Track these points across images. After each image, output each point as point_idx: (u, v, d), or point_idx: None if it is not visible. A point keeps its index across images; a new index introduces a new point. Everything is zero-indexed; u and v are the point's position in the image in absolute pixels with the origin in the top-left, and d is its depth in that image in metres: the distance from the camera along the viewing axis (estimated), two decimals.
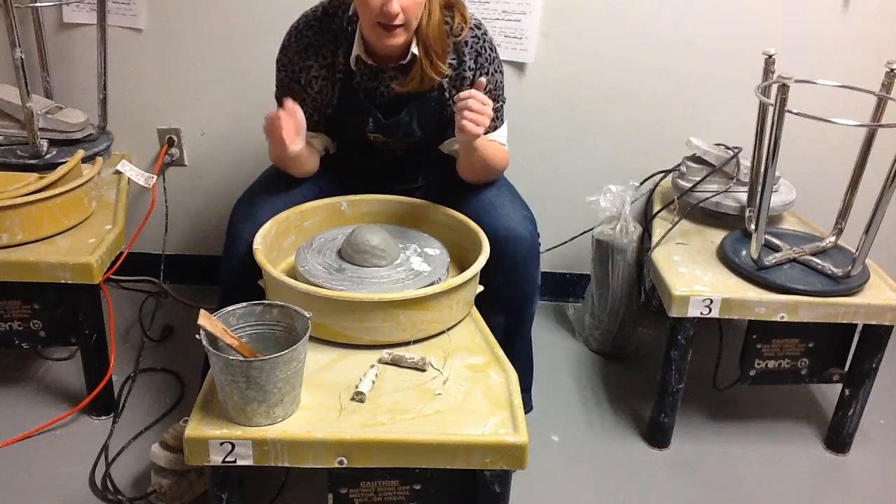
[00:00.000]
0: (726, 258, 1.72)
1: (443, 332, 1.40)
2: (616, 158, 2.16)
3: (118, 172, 1.98)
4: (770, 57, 1.64)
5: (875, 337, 1.68)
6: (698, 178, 1.88)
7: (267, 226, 1.50)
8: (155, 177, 2.04)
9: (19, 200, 1.58)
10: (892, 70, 1.60)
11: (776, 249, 1.73)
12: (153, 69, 2.10)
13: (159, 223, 2.21)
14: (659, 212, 1.95)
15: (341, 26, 1.54)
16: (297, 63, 1.56)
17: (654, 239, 1.84)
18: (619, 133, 2.14)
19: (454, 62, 1.56)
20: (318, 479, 1.26)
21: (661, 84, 2.09)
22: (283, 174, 1.61)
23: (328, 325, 1.32)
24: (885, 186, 1.52)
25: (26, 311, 1.65)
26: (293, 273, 1.44)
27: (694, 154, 1.92)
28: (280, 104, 1.63)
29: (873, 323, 1.64)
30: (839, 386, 1.76)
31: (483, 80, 1.44)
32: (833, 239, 1.77)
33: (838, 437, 1.79)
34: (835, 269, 1.65)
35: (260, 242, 1.43)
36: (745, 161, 1.85)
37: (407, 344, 1.35)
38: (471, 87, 1.56)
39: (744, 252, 1.72)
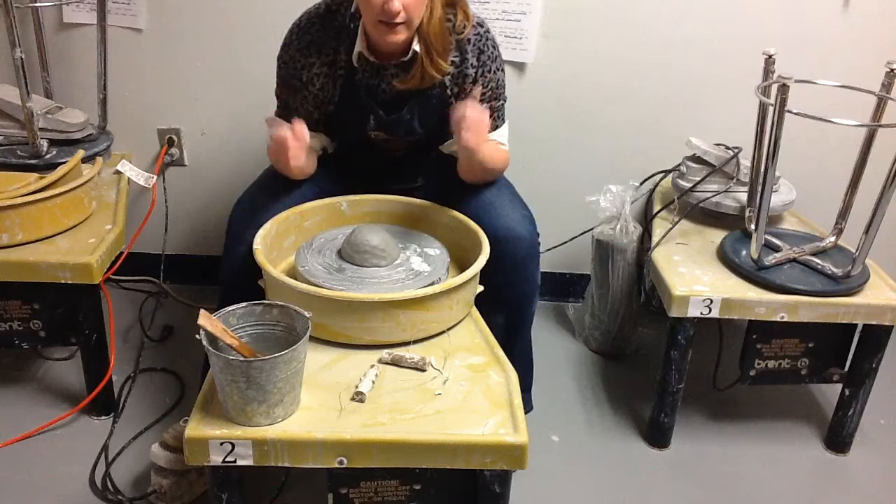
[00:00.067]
0: (726, 258, 1.72)
1: (443, 332, 1.40)
2: (616, 158, 2.16)
3: (118, 172, 1.98)
4: (770, 57, 1.64)
5: (875, 337, 1.68)
6: (698, 178, 1.88)
7: (267, 226, 1.50)
8: (155, 177, 2.04)
9: (19, 200, 1.58)
10: (892, 70, 1.60)
11: (776, 249, 1.73)
12: (153, 69, 2.10)
13: (159, 223, 2.21)
14: (659, 212, 1.95)
15: (344, 23, 1.54)
16: (299, 60, 1.56)
17: (654, 239, 1.84)
18: (619, 133, 2.14)
19: (456, 59, 1.56)
20: (318, 479, 1.26)
21: (661, 84, 2.09)
22: (283, 174, 1.62)
23: (328, 325, 1.32)
24: (885, 186, 1.52)
25: (26, 311, 1.65)
26: (293, 273, 1.44)
27: (694, 154, 1.92)
28: (280, 101, 1.64)
29: (873, 323, 1.64)
30: (839, 386, 1.76)
31: (478, 88, 1.45)
32: (833, 239, 1.77)
33: (838, 437, 1.79)
34: (835, 269, 1.65)
35: (260, 242, 1.43)
36: (745, 161, 1.85)
37: (407, 344, 1.35)
38: (473, 85, 1.57)
39: (744, 252, 1.72)
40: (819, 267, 1.68)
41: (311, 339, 1.23)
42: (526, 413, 1.25)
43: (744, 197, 1.83)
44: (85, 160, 1.80)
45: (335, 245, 1.53)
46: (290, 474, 1.56)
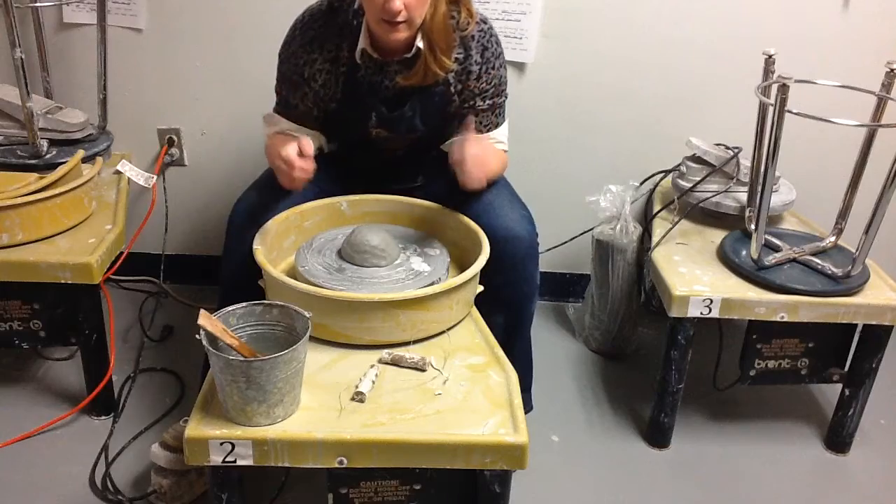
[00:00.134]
0: (726, 258, 1.72)
1: (443, 332, 1.40)
2: (616, 158, 2.16)
3: (118, 172, 1.98)
4: (770, 57, 1.64)
5: (875, 337, 1.68)
6: (698, 178, 1.88)
7: (267, 226, 1.50)
8: (155, 177, 2.04)
9: (19, 200, 1.58)
10: (892, 70, 1.60)
11: (776, 249, 1.73)
12: (153, 69, 2.10)
13: (159, 223, 2.21)
14: (659, 212, 1.95)
15: (346, 20, 1.54)
16: (302, 56, 1.56)
17: (654, 239, 1.84)
18: (619, 133, 2.14)
19: (460, 56, 1.56)
20: (318, 479, 1.26)
21: (661, 84, 2.09)
22: None
23: (328, 325, 1.32)
24: (885, 186, 1.52)
25: (26, 311, 1.65)
26: (293, 273, 1.44)
27: (694, 154, 1.92)
28: (280, 98, 1.62)
29: (873, 323, 1.64)
30: (839, 386, 1.76)
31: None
32: (833, 239, 1.77)
33: (838, 437, 1.79)
34: (835, 269, 1.65)
35: (260, 242, 1.43)
36: (745, 161, 1.85)
37: (407, 344, 1.35)
38: (476, 82, 1.57)
39: (744, 252, 1.72)
40: (819, 267, 1.68)
41: (311, 339, 1.23)
42: (526, 413, 1.25)
43: (744, 197, 1.83)
44: (85, 160, 1.80)
45: (335, 245, 1.53)
46: (290, 474, 1.56)
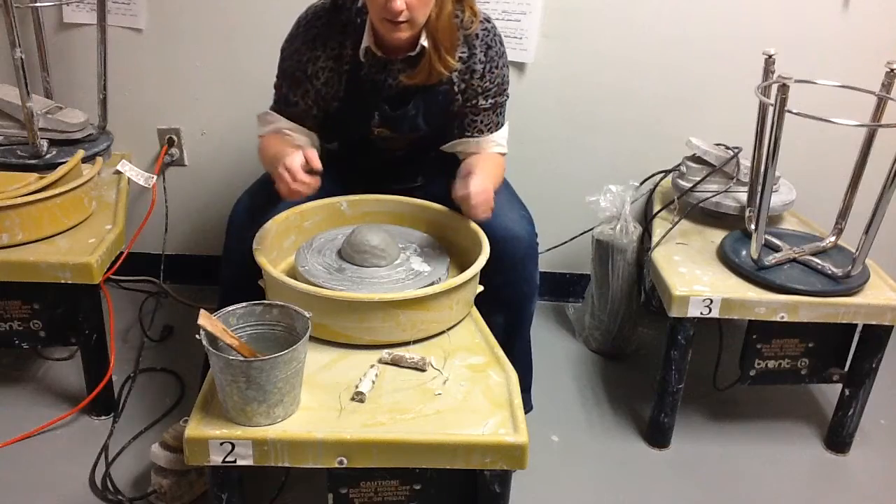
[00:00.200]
0: (726, 258, 1.72)
1: (443, 332, 1.40)
2: (616, 158, 2.16)
3: (118, 172, 1.98)
4: (770, 57, 1.65)
5: (875, 337, 1.68)
6: (698, 178, 1.89)
7: (267, 226, 1.50)
8: (155, 177, 2.04)
9: (19, 200, 1.58)
10: (892, 70, 1.60)
11: (776, 249, 1.73)
12: (153, 69, 2.10)
13: (159, 223, 2.21)
14: (659, 212, 1.95)
15: (350, 17, 1.54)
16: (305, 53, 1.56)
17: (654, 239, 1.84)
18: (619, 133, 2.14)
19: (464, 55, 1.56)
20: (318, 479, 1.26)
21: (661, 84, 2.09)
22: None
23: (328, 325, 1.32)
24: (885, 186, 1.52)
25: (26, 311, 1.65)
26: (293, 273, 1.44)
27: (694, 154, 1.92)
28: (279, 95, 1.61)
29: (873, 323, 1.64)
30: (839, 386, 1.76)
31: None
32: (833, 239, 1.77)
33: (838, 437, 1.79)
34: (835, 269, 1.65)
35: (260, 242, 1.43)
36: (745, 161, 1.85)
37: (407, 344, 1.35)
38: (480, 81, 1.58)
39: (744, 252, 1.72)
40: (819, 267, 1.68)
41: (311, 339, 1.23)
42: (526, 413, 1.25)
43: (744, 197, 1.83)
44: (85, 160, 1.80)
45: (335, 245, 1.53)
46: (290, 474, 1.56)
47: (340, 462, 1.16)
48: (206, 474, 1.43)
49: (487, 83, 1.59)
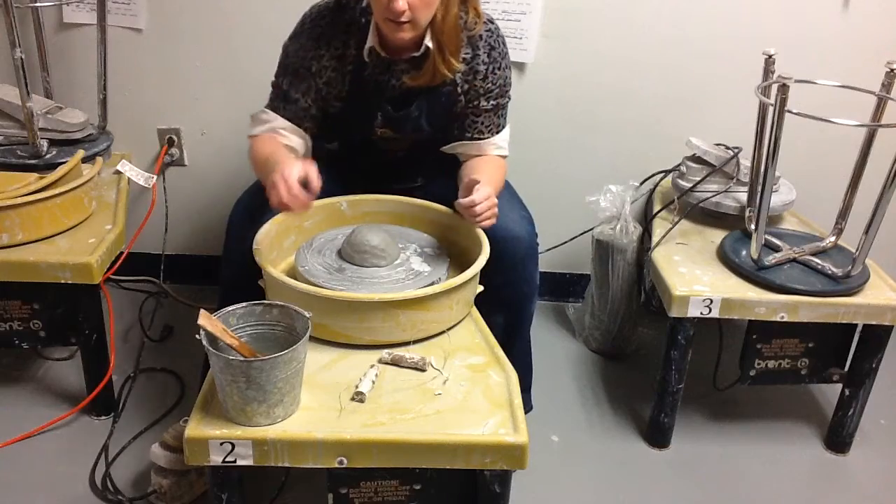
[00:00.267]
0: (726, 258, 1.72)
1: (443, 332, 1.40)
2: (616, 158, 2.16)
3: (118, 172, 1.98)
4: (770, 57, 1.65)
5: (875, 337, 1.68)
6: (698, 178, 1.89)
7: (267, 226, 1.50)
8: (155, 177, 2.04)
9: (19, 200, 1.58)
10: (892, 70, 1.60)
11: (776, 249, 1.73)
12: (153, 69, 2.10)
13: (159, 223, 2.21)
14: (659, 212, 1.95)
15: (354, 17, 1.54)
16: (311, 50, 1.55)
17: (654, 239, 1.84)
18: (619, 133, 2.14)
19: (468, 55, 1.56)
20: (318, 479, 1.26)
21: (661, 84, 2.09)
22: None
23: (328, 325, 1.32)
24: (885, 186, 1.52)
25: (26, 311, 1.65)
26: (293, 273, 1.44)
27: (694, 154, 1.92)
28: (278, 92, 1.59)
29: (873, 323, 1.64)
30: (839, 386, 1.76)
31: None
32: (833, 239, 1.77)
33: (838, 437, 1.79)
34: (835, 269, 1.65)
35: (260, 242, 1.43)
36: (745, 161, 1.85)
37: (407, 344, 1.35)
38: (483, 82, 1.58)
39: (744, 252, 1.72)
40: (819, 267, 1.68)
41: (311, 339, 1.23)
42: (526, 413, 1.25)
43: (744, 197, 1.83)
44: (85, 160, 1.80)
45: (335, 245, 1.53)
46: (290, 474, 1.56)
47: (340, 462, 1.16)
48: (206, 474, 1.43)
49: (490, 84, 1.59)
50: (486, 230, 1.51)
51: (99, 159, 1.85)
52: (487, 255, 1.44)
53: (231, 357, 1.12)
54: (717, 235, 1.84)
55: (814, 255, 1.72)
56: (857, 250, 1.61)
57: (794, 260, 1.72)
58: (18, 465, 1.62)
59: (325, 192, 1.65)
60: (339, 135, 1.70)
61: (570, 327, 2.23)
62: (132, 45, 2.07)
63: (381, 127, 1.62)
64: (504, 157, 1.69)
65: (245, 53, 2.06)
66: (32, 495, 1.55)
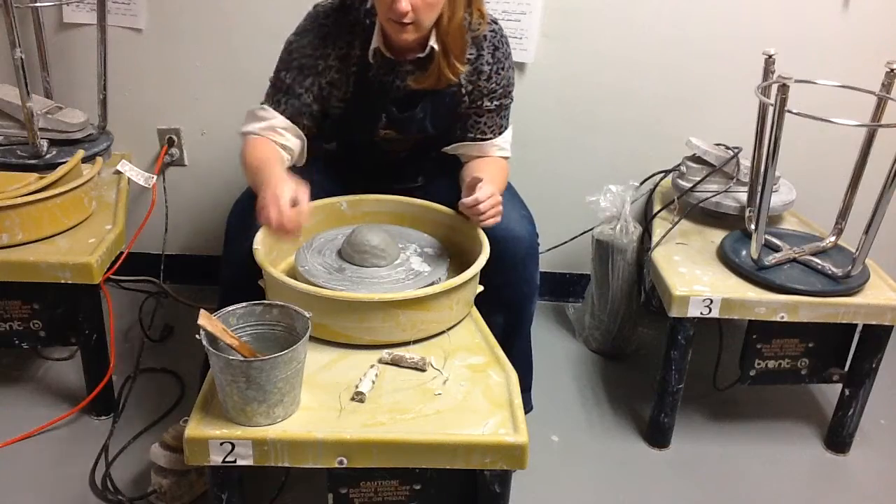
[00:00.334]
0: (726, 258, 1.72)
1: (443, 332, 1.40)
2: (616, 158, 2.16)
3: (118, 172, 1.98)
4: (770, 57, 1.65)
5: (875, 337, 1.68)
6: (698, 178, 1.89)
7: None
8: (155, 177, 2.04)
9: (19, 200, 1.58)
10: (892, 70, 1.60)
11: (776, 249, 1.73)
12: (153, 69, 2.10)
13: (159, 223, 2.21)
14: (659, 212, 1.95)
15: (358, 18, 1.54)
16: (319, 49, 1.54)
17: (654, 239, 1.84)
18: (619, 133, 2.14)
19: (472, 56, 1.56)
20: (318, 479, 1.26)
21: (661, 84, 2.09)
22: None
23: (328, 325, 1.32)
24: (885, 186, 1.52)
25: (26, 311, 1.65)
26: (293, 273, 1.44)
27: (694, 154, 1.92)
28: (280, 86, 1.56)
29: (873, 323, 1.64)
30: (839, 386, 1.76)
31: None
32: (833, 239, 1.77)
33: (838, 437, 1.79)
34: (835, 269, 1.65)
35: (259, 242, 1.43)
36: (745, 161, 1.85)
37: (407, 344, 1.35)
38: (486, 82, 1.58)
39: (744, 252, 1.72)
40: (819, 267, 1.68)
41: (311, 339, 1.23)
42: (526, 413, 1.25)
43: (744, 197, 1.83)
44: (85, 160, 1.80)
45: (335, 245, 1.53)
46: (290, 474, 1.56)
47: (340, 462, 1.16)
48: (206, 474, 1.43)
49: (493, 84, 1.59)
50: (486, 230, 1.51)
51: (99, 159, 1.85)
52: (487, 255, 1.44)
53: (231, 357, 1.12)
54: (717, 235, 1.84)
55: (814, 255, 1.72)
56: (857, 250, 1.61)
57: (794, 260, 1.72)
58: (18, 465, 1.62)
59: (326, 192, 1.66)
60: (341, 136, 1.70)
61: (570, 327, 2.23)
62: (132, 45, 2.07)
63: (384, 128, 1.62)
64: (506, 158, 1.69)
65: (245, 53, 2.06)
66: (32, 495, 1.55)
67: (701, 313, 1.62)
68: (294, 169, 1.57)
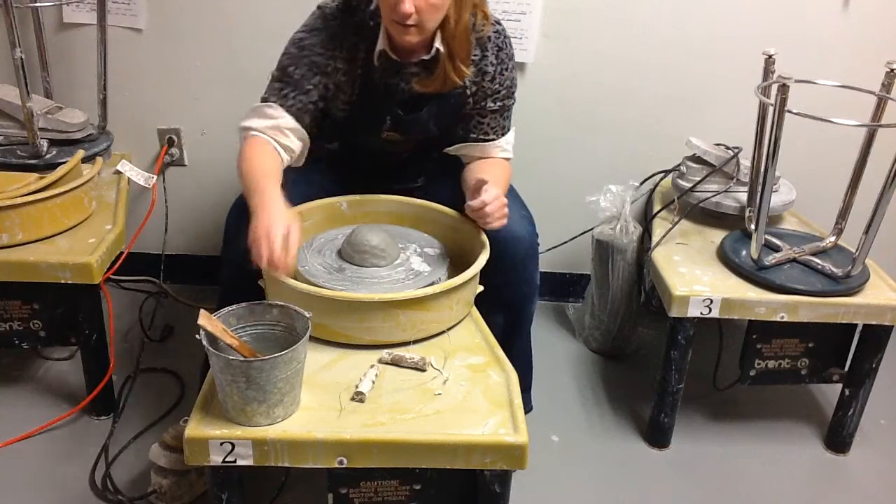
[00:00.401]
0: (726, 258, 1.72)
1: (443, 332, 1.40)
2: (616, 158, 2.16)
3: (118, 172, 1.98)
4: (770, 57, 1.65)
5: (875, 337, 1.68)
6: (698, 178, 1.89)
7: None
8: (155, 177, 2.04)
9: (19, 200, 1.58)
10: (892, 70, 1.60)
11: (776, 249, 1.73)
12: (153, 69, 2.10)
13: (159, 223, 2.21)
14: (659, 212, 1.95)
15: (363, 20, 1.54)
16: (329, 49, 1.52)
17: (654, 239, 1.84)
18: (619, 133, 2.14)
19: (476, 57, 1.56)
20: (318, 479, 1.26)
21: (661, 84, 2.09)
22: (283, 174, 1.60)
23: (328, 325, 1.32)
24: (885, 186, 1.52)
25: (26, 311, 1.65)
26: (293, 273, 1.44)
27: (694, 154, 1.92)
28: (287, 81, 1.53)
29: (873, 323, 1.64)
30: (839, 386, 1.76)
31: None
32: (833, 239, 1.77)
33: (838, 437, 1.79)
34: (835, 269, 1.65)
35: None
36: (745, 161, 1.85)
37: (407, 344, 1.35)
38: (490, 83, 1.58)
39: (744, 252, 1.72)
40: (819, 267, 1.68)
41: (311, 339, 1.23)
42: (526, 413, 1.25)
43: (744, 197, 1.83)
44: (85, 160, 1.80)
45: (335, 245, 1.52)
46: (290, 474, 1.56)
47: (340, 462, 1.16)
48: (206, 474, 1.43)
49: (497, 85, 1.59)
50: (486, 230, 1.51)
51: (99, 159, 1.85)
52: (487, 255, 1.44)
53: (231, 357, 1.12)
54: (717, 235, 1.84)
55: (814, 255, 1.72)
56: (857, 250, 1.61)
57: (794, 260, 1.72)
58: (18, 465, 1.62)
59: (326, 192, 1.66)
60: (344, 137, 1.70)
61: (570, 327, 2.23)
62: (132, 45, 2.07)
63: (388, 130, 1.61)
64: (508, 159, 1.68)
65: (245, 53, 2.06)
66: (32, 495, 1.55)
67: (701, 313, 1.62)
68: (294, 169, 1.57)
